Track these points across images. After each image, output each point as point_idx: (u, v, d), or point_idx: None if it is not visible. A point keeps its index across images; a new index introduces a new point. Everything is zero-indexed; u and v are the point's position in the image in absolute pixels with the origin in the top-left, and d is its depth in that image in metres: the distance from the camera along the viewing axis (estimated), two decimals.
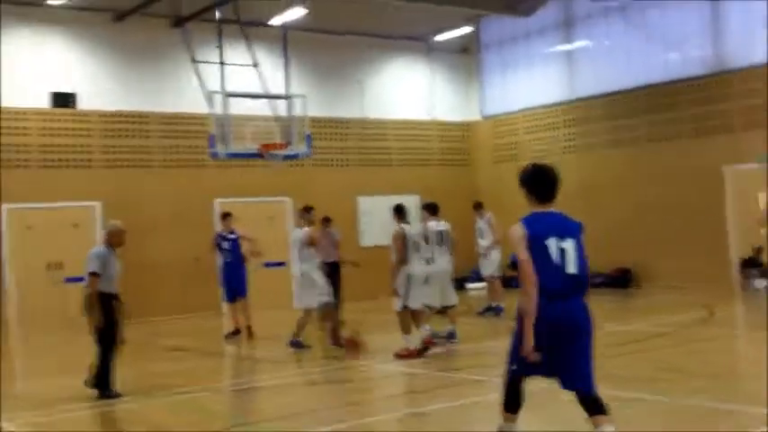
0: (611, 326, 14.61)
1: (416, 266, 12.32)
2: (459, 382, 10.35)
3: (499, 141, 24.60)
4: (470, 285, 22.60)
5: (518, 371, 6.15)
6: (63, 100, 19.31)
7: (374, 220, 22.51)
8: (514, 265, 15.84)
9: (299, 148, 17.33)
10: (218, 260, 16.36)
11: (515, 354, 6.10)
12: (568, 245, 6.28)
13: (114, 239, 10.48)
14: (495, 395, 9.24)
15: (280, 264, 21.27)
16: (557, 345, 5.95)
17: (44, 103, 19.15)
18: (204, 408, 9.74)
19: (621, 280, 21.08)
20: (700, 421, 7.56)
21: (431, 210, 13.54)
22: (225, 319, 15.64)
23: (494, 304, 16.73)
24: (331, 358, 13.17)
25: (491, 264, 17.12)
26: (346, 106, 23.10)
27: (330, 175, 22.27)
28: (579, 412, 6.09)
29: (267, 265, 21.09)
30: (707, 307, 15.04)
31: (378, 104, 23.65)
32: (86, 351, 10.63)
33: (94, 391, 10.23)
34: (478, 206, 17.70)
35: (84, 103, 19.59)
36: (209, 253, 16.45)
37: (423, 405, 9.30)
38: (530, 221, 6.42)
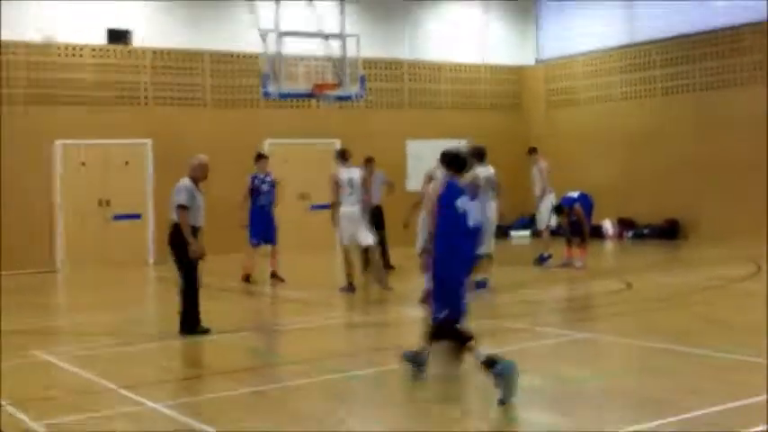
0: (658, 277, 14.47)
1: None
2: (498, 330, 10.29)
3: (554, 86, 24.20)
4: (514, 233, 22.31)
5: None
6: (118, 36, 19.35)
7: (422, 164, 22.30)
8: (558, 209, 15.74)
9: (352, 89, 17.13)
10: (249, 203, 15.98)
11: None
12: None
13: (197, 173, 10.39)
14: (536, 343, 9.34)
15: (326, 206, 21.25)
16: None
17: (100, 39, 19.22)
18: (244, 346, 9.84)
19: (669, 231, 20.73)
20: (748, 375, 7.40)
21: (478, 155, 13.28)
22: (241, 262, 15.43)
23: (545, 254, 16.50)
24: (373, 302, 13.23)
25: (541, 212, 16.94)
26: (400, 47, 22.84)
27: (381, 118, 22.11)
28: None
29: (315, 207, 21.16)
30: (756, 263, 14.75)
31: (431, 46, 23.34)
32: (132, 288, 10.74)
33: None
34: (532, 151, 17.46)
35: (138, 40, 19.63)
36: (243, 196, 15.99)
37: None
38: None
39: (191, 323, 10.19)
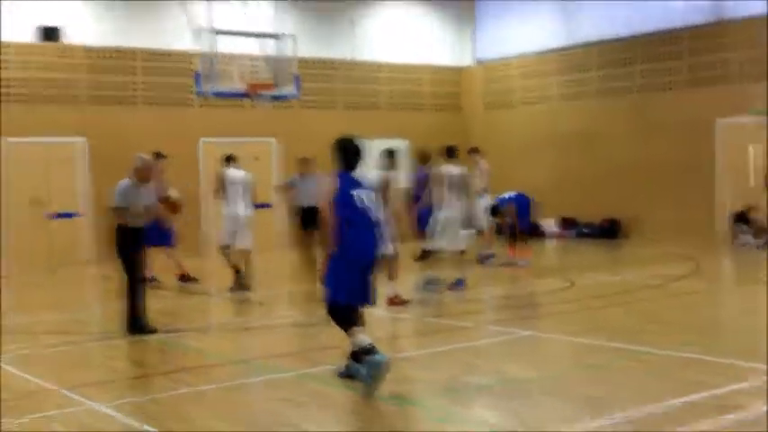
0: (600, 276, 14.59)
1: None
2: (443, 328, 10.24)
3: (492, 87, 24.33)
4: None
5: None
6: (49, 34, 18.89)
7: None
8: (494, 210, 15.74)
9: (288, 89, 17.00)
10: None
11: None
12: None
13: (138, 175, 10.37)
14: (482, 341, 9.31)
15: (265, 205, 21.09)
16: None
17: (30, 37, 18.73)
18: (186, 346, 9.64)
19: (610, 230, 21.00)
20: (691, 372, 7.45)
21: (449, 153, 13.21)
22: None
23: (486, 252, 16.54)
24: (315, 301, 13.08)
25: (480, 211, 16.96)
26: (337, 47, 22.73)
27: (318, 118, 21.95)
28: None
29: (256, 206, 20.91)
30: (693, 262, 14.97)
31: (369, 46, 23.28)
32: (73, 287, 10.49)
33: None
34: (473, 151, 17.49)
35: (69, 38, 19.18)
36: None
37: (407, 350, 9.21)
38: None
39: (137, 322, 10.11)
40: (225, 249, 13.96)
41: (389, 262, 11.33)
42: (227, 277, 13.86)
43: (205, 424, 6.43)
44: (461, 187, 12.99)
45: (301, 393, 7.23)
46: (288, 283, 15.38)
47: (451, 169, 12.97)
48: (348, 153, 7.73)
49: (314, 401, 6.98)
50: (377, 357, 7.02)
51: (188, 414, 6.72)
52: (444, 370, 8.00)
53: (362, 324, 7.50)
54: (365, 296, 7.51)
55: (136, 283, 10.20)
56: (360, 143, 7.82)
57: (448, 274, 12.88)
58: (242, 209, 13.97)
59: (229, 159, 14.43)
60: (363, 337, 7.23)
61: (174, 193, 12.41)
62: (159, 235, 13.78)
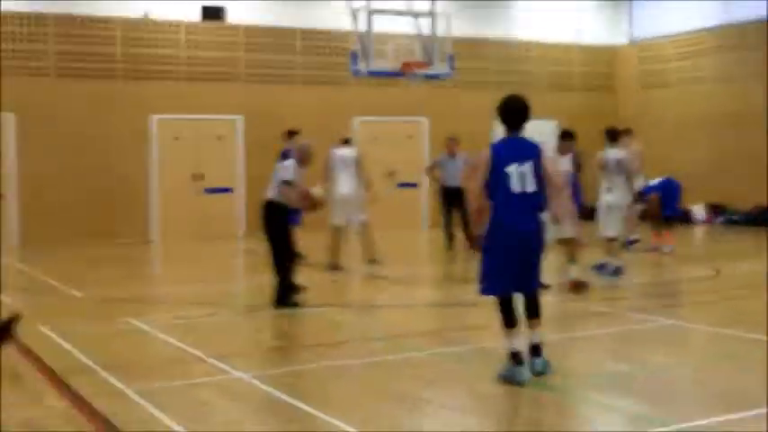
0: (748, 265, 14.13)
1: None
2: (585, 314, 10.22)
3: (647, 67, 23.73)
4: None
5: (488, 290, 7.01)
6: (212, 13, 19.67)
7: None
8: (639, 196, 15.38)
9: (441, 68, 17.10)
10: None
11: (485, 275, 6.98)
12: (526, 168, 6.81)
13: (300, 157, 10.89)
14: (621, 327, 9.26)
15: (412, 185, 21.40)
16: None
17: (194, 16, 19.57)
18: (329, 321, 9.98)
19: (760, 218, 20.18)
20: None
21: (610, 136, 12.91)
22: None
23: (630, 237, 16.28)
24: (458, 281, 13.28)
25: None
26: (490, 26, 22.67)
27: (470, 97, 22.01)
28: None
29: (401, 185, 21.28)
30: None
31: (522, 25, 23.11)
32: (223, 261, 11.00)
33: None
34: (624, 133, 17.13)
35: (231, 17, 19.92)
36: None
37: (548, 335, 9.22)
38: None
39: (285, 295, 10.45)
40: (339, 229, 14.18)
41: (568, 244, 11.36)
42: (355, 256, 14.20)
43: (341, 397, 6.70)
44: (624, 172, 12.60)
45: (436, 372, 7.41)
46: (430, 262, 15.62)
47: (614, 153, 12.60)
48: (508, 113, 6.97)
49: (448, 381, 7.15)
50: (517, 374, 6.78)
51: (326, 387, 6.99)
52: (585, 356, 8.03)
53: (534, 316, 7.04)
54: (521, 284, 6.95)
55: (289, 259, 10.57)
56: (525, 102, 7.04)
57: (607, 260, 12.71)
58: (349, 186, 14.28)
59: (347, 141, 15.05)
60: (513, 341, 6.90)
61: (317, 191, 12.54)
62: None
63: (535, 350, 7.00)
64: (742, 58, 21.27)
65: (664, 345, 8.52)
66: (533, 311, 7.06)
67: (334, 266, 13.84)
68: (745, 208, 20.57)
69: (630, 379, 7.16)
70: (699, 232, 20.08)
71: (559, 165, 10.93)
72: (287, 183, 10.48)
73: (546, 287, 10.42)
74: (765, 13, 20.56)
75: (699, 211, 21.28)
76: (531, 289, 7.06)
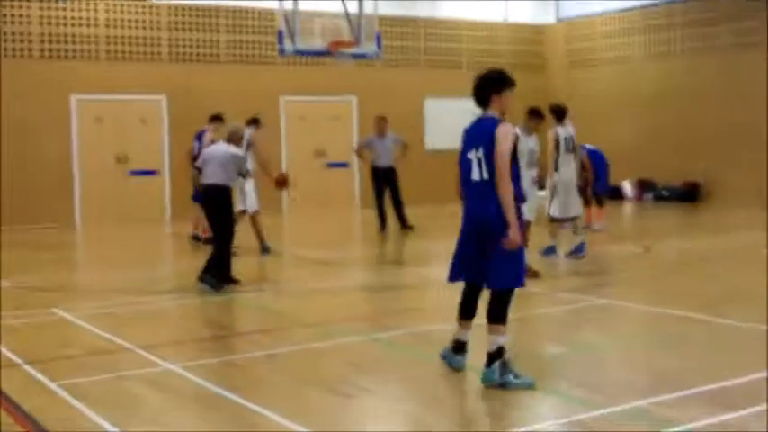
0: (678, 242, 14.34)
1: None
2: (519, 295, 10.18)
3: (575, 45, 23.90)
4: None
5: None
6: None
7: (440, 124, 22.26)
8: None
9: (368, 47, 16.94)
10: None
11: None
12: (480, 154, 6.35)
13: (233, 138, 10.93)
14: (556, 308, 9.26)
15: (343, 164, 21.27)
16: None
17: None
18: (262, 307, 9.79)
19: (689, 194, 20.57)
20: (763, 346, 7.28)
21: (557, 114, 12.54)
22: None
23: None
24: (390, 263, 13.21)
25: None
26: (418, 5, 22.56)
27: (398, 76, 21.90)
28: None
29: (331, 165, 21.13)
30: None
31: (450, 3, 23.05)
32: (149, 245, 10.73)
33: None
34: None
35: None
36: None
37: (479, 316, 9.16)
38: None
39: (223, 273, 10.49)
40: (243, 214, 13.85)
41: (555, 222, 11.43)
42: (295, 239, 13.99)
43: (274, 387, 6.53)
44: (573, 149, 12.46)
45: (370, 358, 7.30)
46: (363, 244, 15.51)
47: (564, 131, 12.35)
48: (473, 91, 6.61)
49: (382, 367, 7.04)
50: (453, 361, 6.67)
51: (259, 377, 6.82)
52: (519, 339, 7.95)
53: (490, 320, 6.38)
54: (478, 275, 6.47)
55: (228, 240, 10.66)
56: (484, 76, 6.63)
57: (562, 240, 12.71)
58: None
59: (254, 121, 14.02)
60: (458, 331, 6.69)
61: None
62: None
63: (489, 358, 6.32)
64: (668, 38, 21.53)
65: (597, 325, 8.55)
66: (489, 314, 6.36)
67: (265, 249, 13.60)
68: (674, 184, 20.88)
69: (565, 362, 7.14)
70: (628, 209, 20.35)
71: (526, 144, 10.80)
72: (248, 172, 10.84)
73: (535, 276, 10.33)
74: None
75: (628, 187, 21.56)
76: (491, 284, 6.40)
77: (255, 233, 13.64)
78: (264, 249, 13.56)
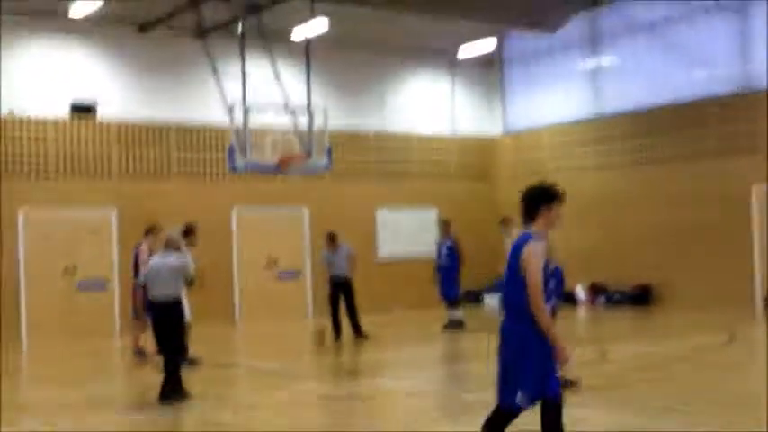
0: (634, 346, 14.35)
1: None
2: (475, 403, 10.08)
3: (521, 157, 24.34)
4: (488, 299, 22.33)
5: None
6: (83, 110, 19.25)
7: (392, 233, 22.40)
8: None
9: (319, 160, 17.12)
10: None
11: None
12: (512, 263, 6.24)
13: (173, 246, 10.83)
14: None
15: (294, 273, 21.27)
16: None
17: (64, 112, 19.10)
18: (212, 422, 9.55)
19: (641, 297, 20.78)
20: None
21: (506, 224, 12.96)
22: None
23: None
24: (344, 373, 13.04)
25: None
26: (367, 119, 22.93)
27: (349, 187, 22.08)
28: None
29: (283, 274, 21.06)
30: (729, 332, 14.69)
31: (399, 118, 23.47)
32: (96, 359, 10.47)
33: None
34: (505, 222, 17.40)
35: (104, 113, 19.52)
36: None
37: (434, 426, 9.04)
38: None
39: (177, 388, 10.32)
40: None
41: None
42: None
43: None
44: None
45: None
46: (317, 353, 15.33)
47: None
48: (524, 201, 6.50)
49: None
50: None
51: None
52: None
53: None
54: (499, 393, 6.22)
55: (180, 354, 10.61)
56: (527, 191, 6.57)
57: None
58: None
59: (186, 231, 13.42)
60: None
61: None
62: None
63: None
64: (614, 148, 22.07)
65: None
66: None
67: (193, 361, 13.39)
68: (625, 288, 21.08)
69: None
70: (581, 313, 20.44)
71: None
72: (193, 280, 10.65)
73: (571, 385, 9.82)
74: (632, 106, 21.52)
75: (581, 291, 21.76)
76: (501, 402, 6.15)
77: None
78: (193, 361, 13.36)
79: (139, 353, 14.18)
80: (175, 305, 10.45)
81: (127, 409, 10.24)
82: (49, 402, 11.03)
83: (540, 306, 5.96)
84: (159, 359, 12.84)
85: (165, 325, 10.43)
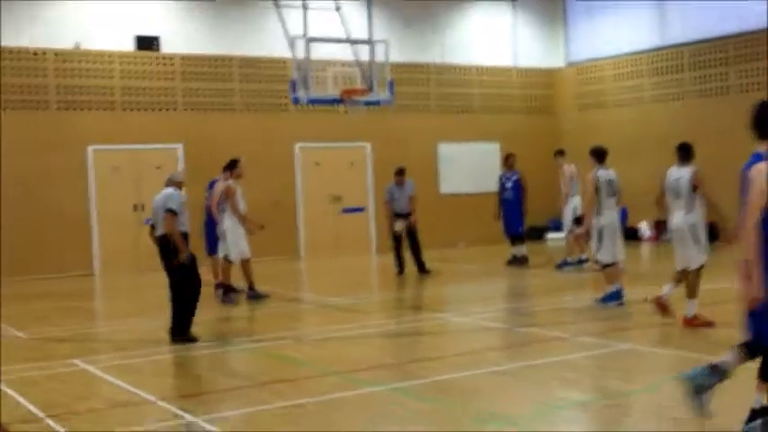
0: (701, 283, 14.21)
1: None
2: (536, 339, 10.15)
3: (584, 89, 24.01)
4: (550, 236, 22.39)
5: None
6: (147, 43, 19.40)
7: (454, 168, 22.33)
8: (578, 220, 14.95)
9: (381, 94, 17.04)
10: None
11: None
12: None
13: (181, 185, 10.79)
14: (578, 354, 9.17)
15: (359, 209, 21.33)
16: None
17: (128, 45, 19.26)
18: (282, 356, 9.75)
19: (708, 233, 20.39)
20: None
21: (597, 156, 12.56)
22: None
23: (568, 259, 16.44)
24: (408, 308, 13.19)
25: (565, 217, 16.78)
26: (428, 52, 22.74)
27: (411, 121, 22.03)
28: None
29: (346, 210, 21.18)
30: None
31: (460, 50, 23.23)
32: (166, 293, 10.70)
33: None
34: (558, 154, 17.30)
35: (167, 47, 19.65)
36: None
37: (500, 363, 9.12)
38: None
39: (181, 329, 10.36)
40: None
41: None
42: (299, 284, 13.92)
43: None
44: (617, 193, 12.43)
45: (398, 410, 7.22)
46: (381, 289, 15.49)
47: (606, 173, 12.38)
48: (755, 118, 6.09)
49: (409, 417, 7.00)
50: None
51: (284, 429, 6.76)
52: (540, 385, 7.91)
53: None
54: None
55: (185, 290, 10.50)
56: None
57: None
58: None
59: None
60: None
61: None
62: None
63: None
64: (678, 79, 21.61)
65: (620, 371, 8.45)
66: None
67: (258, 295, 13.67)
68: None
69: (585, 408, 7.08)
70: (646, 249, 20.29)
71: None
72: (172, 211, 10.31)
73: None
74: (698, 36, 20.96)
75: (645, 228, 21.55)
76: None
77: (246, 279, 13.71)
78: (254, 296, 13.59)
79: (218, 286, 14.36)
80: (168, 242, 10.35)
81: (201, 342, 10.44)
82: (122, 336, 11.36)
83: (748, 230, 5.56)
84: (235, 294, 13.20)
85: (166, 262, 10.46)
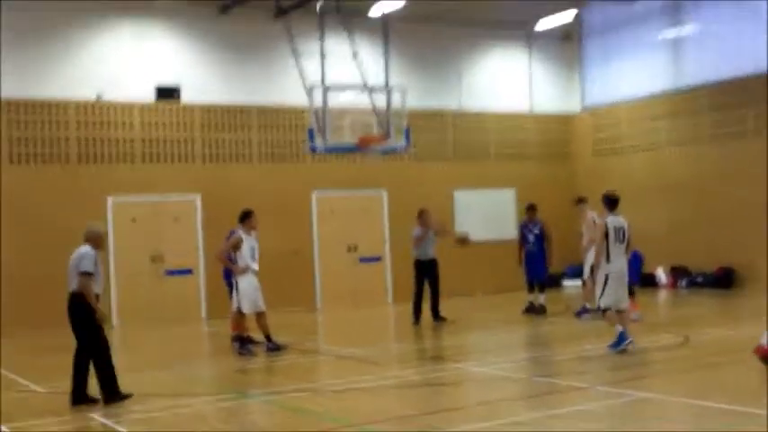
0: (716, 330, 14.15)
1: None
2: (560, 390, 10.10)
3: (600, 134, 24.04)
4: (566, 283, 22.30)
5: None
6: (167, 93, 19.63)
7: (470, 214, 22.35)
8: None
9: (398, 141, 17.15)
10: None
11: None
12: None
13: (99, 242, 10.37)
14: (597, 404, 9.12)
15: (375, 259, 21.36)
16: None
17: (149, 95, 19.50)
18: (300, 408, 9.73)
19: (724, 280, 20.33)
20: None
21: (609, 203, 12.64)
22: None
23: (588, 305, 16.37)
24: (428, 359, 13.15)
25: (585, 264, 16.71)
26: (444, 97, 22.88)
27: (427, 168, 22.12)
28: None
29: (363, 260, 21.20)
30: None
31: (476, 95, 23.36)
32: (184, 345, 10.71)
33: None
34: (579, 201, 17.28)
35: (186, 96, 19.87)
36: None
37: (518, 413, 9.08)
38: None
39: (112, 390, 10.11)
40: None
41: None
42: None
43: None
44: (627, 240, 12.46)
45: None
46: (397, 339, 15.45)
47: (615, 220, 12.45)
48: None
49: None
50: None
51: None
52: None
53: None
54: None
55: (104, 349, 10.18)
56: None
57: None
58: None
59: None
60: None
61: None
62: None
63: None
64: (695, 122, 21.60)
65: (637, 421, 8.39)
66: None
67: (277, 346, 13.65)
68: (707, 270, 20.67)
69: None
70: (663, 296, 20.17)
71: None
72: (87, 274, 9.93)
73: None
74: (714, 78, 20.98)
75: (662, 274, 21.42)
76: None
77: (262, 332, 13.67)
78: (273, 347, 13.57)
79: (236, 339, 14.25)
80: (79, 302, 9.95)
81: (218, 394, 10.45)
82: (140, 389, 11.34)
83: None
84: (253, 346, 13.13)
85: (74, 322, 10.04)
